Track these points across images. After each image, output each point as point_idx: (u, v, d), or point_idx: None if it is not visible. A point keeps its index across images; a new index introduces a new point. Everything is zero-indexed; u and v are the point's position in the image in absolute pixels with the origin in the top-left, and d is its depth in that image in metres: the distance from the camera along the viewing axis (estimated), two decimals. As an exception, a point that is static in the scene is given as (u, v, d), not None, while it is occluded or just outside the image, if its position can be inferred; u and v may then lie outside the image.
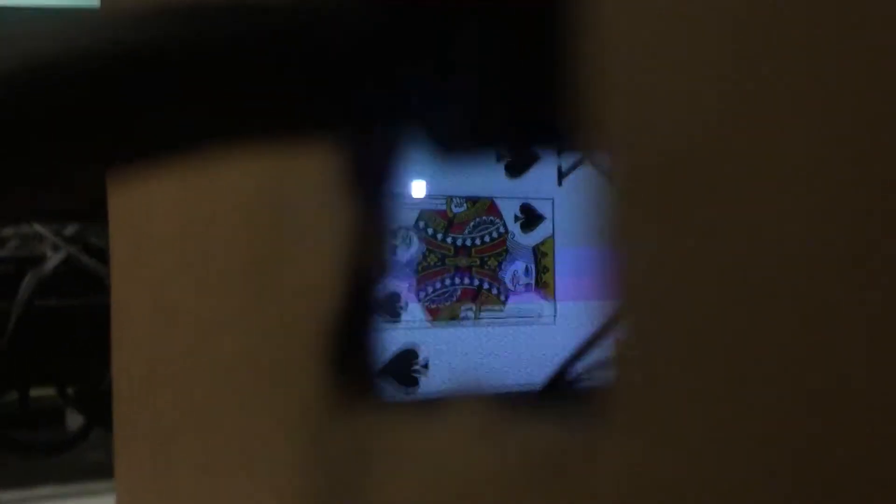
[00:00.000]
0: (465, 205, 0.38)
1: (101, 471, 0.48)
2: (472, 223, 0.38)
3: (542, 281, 0.39)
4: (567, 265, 0.39)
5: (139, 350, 0.26)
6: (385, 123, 0.11)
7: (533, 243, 0.39)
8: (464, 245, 0.38)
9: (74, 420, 0.54)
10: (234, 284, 0.17)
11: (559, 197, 0.39)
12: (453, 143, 0.11)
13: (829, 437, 0.09)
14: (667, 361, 0.09)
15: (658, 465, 0.09)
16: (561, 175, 0.39)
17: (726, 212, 0.09)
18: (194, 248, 0.20)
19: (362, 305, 0.12)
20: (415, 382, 0.34)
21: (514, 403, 0.11)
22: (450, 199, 0.37)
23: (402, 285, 0.37)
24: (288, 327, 0.13)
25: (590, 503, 0.09)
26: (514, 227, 0.39)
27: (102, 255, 0.56)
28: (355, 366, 0.12)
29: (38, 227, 0.56)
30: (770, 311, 0.09)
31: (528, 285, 0.39)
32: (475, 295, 0.38)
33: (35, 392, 0.58)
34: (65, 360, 0.55)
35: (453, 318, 0.37)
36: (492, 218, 0.39)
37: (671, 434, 0.09)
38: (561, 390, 0.21)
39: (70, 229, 0.57)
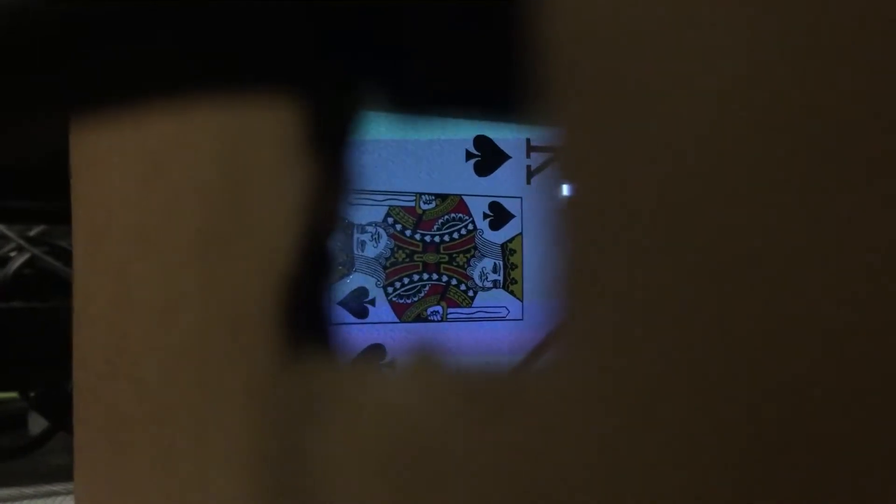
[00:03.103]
0: (434, 202, 0.38)
1: (63, 474, 0.47)
2: (440, 220, 0.38)
3: (511, 278, 0.38)
4: (535, 262, 0.39)
5: (97, 342, 0.26)
6: (344, 82, 0.11)
7: (502, 241, 0.39)
8: (432, 241, 0.37)
9: (37, 424, 0.53)
10: (192, 260, 0.16)
11: (528, 195, 0.39)
12: (411, 102, 0.11)
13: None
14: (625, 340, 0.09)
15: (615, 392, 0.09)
16: (530, 174, 0.39)
17: (698, 195, 0.09)
18: (152, 229, 0.19)
19: (317, 265, 0.11)
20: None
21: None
22: (419, 195, 0.37)
23: (369, 280, 0.37)
24: (244, 292, 0.13)
25: (530, 441, 0.09)
26: (483, 225, 0.38)
27: (68, 257, 0.55)
28: (310, 325, 0.12)
29: (2, 228, 0.55)
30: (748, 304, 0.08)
31: (496, 282, 0.39)
32: (443, 291, 0.38)
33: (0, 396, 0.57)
34: (28, 364, 0.54)
35: (420, 317, 0.37)
36: (461, 215, 0.38)
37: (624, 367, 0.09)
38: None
39: (35, 231, 0.56)
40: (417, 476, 0.10)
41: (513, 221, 0.39)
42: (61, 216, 0.56)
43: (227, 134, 0.14)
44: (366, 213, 0.36)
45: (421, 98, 0.11)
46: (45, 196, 0.56)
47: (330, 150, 0.11)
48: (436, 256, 0.39)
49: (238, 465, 0.13)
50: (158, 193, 0.19)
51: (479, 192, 0.39)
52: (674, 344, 0.09)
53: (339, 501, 0.11)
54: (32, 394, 0.54)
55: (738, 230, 0.09)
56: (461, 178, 0.39)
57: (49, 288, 0.54)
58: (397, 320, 0.37)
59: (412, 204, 0.38)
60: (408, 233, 0.38)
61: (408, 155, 0.37)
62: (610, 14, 0.09)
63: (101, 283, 0.25)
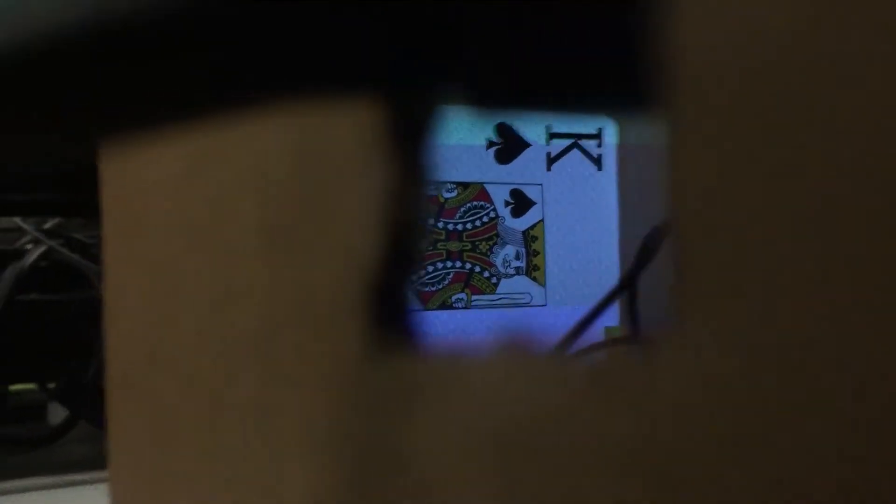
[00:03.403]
0: (455, 190, 0.38)
1: (85, 464, 0.48)
2: (462, 208, 0.38)
3: (533, 264, 0.39)
4: (557, 248, 0.39)
5: (136, 335, 0.26)
6: (422, 79, 0.11)
7: (523, 228, 0.39)
8: (455, 229, 0.38)
9: (56, 415, 0.54)
10: (253, 254, 0.17)
11: (548, 182, 0.39)
12: (492, 100, 0.11)
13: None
14: (720, 286, 0.09)
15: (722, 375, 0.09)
16: (550, 160, 0.39)
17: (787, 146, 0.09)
18: (202, 223, 0.20)
19: (399, 259, 0.12)
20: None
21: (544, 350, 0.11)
22: (441, 184, 0.37)
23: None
24: (322, 286, 0.13)
25: (633, 425, 0.09)
26: (505, 212, 0.39)
27: (84, 249, 0.55)
28: (394, 317, 0.12)
29: (18, 221, 0.55)
30: (825, 239, 0.09)
31: (518, 269, 0.39)
32: (467, 279, 0.38)
33: (16, 387, 0.57)
34: (45, 356, 0.55)
35: (444, 305, 0.37)
36: (482, 203, 0.39)
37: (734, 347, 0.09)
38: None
39: (50, 223, 0.56)
40: (524, 463, 0.10)
41: (534, 208, 0.40)
42: (76, 208, 0.56)
43: (298, 132, 0.14)
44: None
45: (502, 96, 0.11)
46: (61, 188, 0.56)
47: (408, 147, 0.12)
48: (458, 244, 0.39)
49: (314, 456, 0.14)
50: (208, 187, 0.19)
51: (499, 179, 0.39)
52: (793, 336, 0.09)
53: (435, 489, 0.11)
54: (51, 385, 0.55)
55: (866, 232, 0.09)
56: (482, 166, 0.39)
57: (65, 280, 0.54)
58: (422, 308, 0.38)
59: (434, 192, 0.39)
60: (431, 223, 0.39)
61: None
62: (739, 22, 0.10)
63: (139, 275, 0.26)
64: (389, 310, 0.12)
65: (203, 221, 0.19)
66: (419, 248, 0.12)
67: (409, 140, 0.12)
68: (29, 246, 0.54)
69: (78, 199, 0.56)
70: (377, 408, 0.12)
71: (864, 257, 0.09)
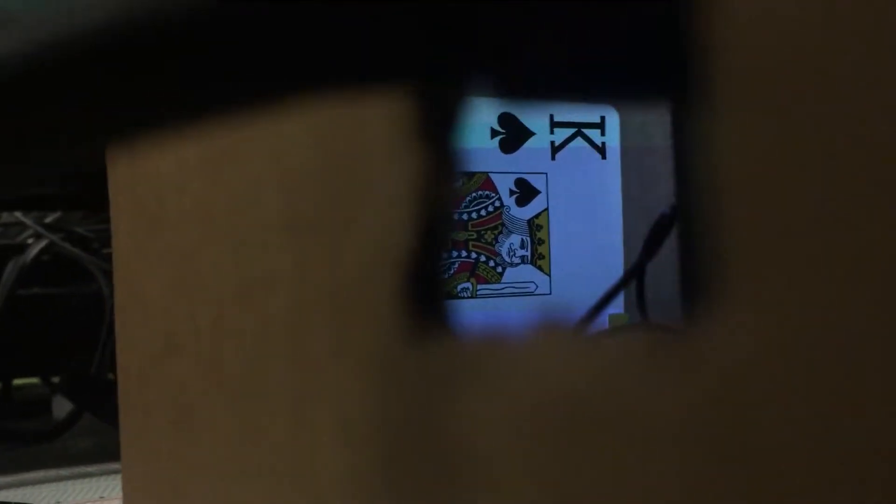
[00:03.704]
0: (461, 179, 0.38)
1: (93, 455, 0.48)
2: (468, 198, 0.38)
3: (538, 253, 0.39)
4: (561, 237, 0.40)
5: (152, 326, 0.26)
6: (451, 69, 0.11)
7: (528, 217, 0.39)
8: (460, 219, 0.38)
9: (61, 408, 0.54)
10: (278, 244, 0.17)
11: (552, 171, 0.39)
12: (521, 91, 0.12)
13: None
14: (756, 270, 0.09)
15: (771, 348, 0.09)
16: (554, 149, 0.40)
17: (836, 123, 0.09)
18: (221, 215, 0.20)
19: (434, 245, 0.12)
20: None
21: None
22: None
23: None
24: (356, 274, 0.14)
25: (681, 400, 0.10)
26: (510, 202, 0.39)
27: (85, 243, 0.55)
28: (430, 301, 0.12)
29: (19, 216, 0.55)
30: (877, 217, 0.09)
31: (524, 258, 0.39)
32: (472, 268, 0.38)
33: (20, 382, 0.57)
34: (49, 350, 0.55)
35: (450, 295, 0.37)
36: (487, 192, 0.39)
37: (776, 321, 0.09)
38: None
39: (51, 217, 0.56)
40: (566, 440, 0.11)
41: (539, 197, 0.40)
42: (78, 202, 0.56)
43: (325, 127, 0.14)
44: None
45: (531, 87, 0.11)
46: (62, 182, 0.56)
47: (438, 137, 0.12)
48: (464, 234, 0.39)
49: (349, 443, 0.14)
50: (228, 180, 0.20)
51: (504, 168, 0.40)
52: (830, 321, 0.10)
53: (479, 471, 0.12)
54: (55, 379, 0.55)
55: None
56: (486, 155, 0.39)
57: (67, 274, 0.54)
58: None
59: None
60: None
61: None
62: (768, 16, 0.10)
63: (154, 267, 0.26)
64: (423, 294, 0.12)
65: (223, 214, 0.20)
66: (448, 235, 0.12)
67: (438, 130, 0.12)
68: (30, 240, 0.54)
69: (79, 194, 0.57)
70: (414, 393, 0.12)
71: None
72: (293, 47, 0.12)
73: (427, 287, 0.12)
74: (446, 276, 0.13)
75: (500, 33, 0.12)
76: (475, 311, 0.39)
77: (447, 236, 0.12)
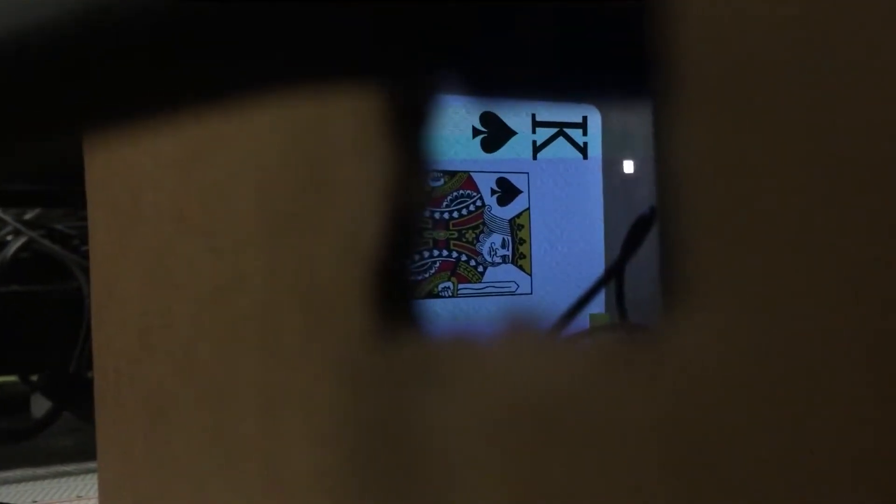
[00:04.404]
0: (442, 178, 0.38)
1: (71, 455, 0.48)
2: (449, 197, 0.38)
3: (519, 253, 0.39)
4: (543, 237, 0.40)
5: (128, 324, 0.26)
6: (421, 66, 0.11)
7: (509, 216, 0.39)
8: (442, 218, 0.38)
9: (39, 407, 0.54)
10: (251, 242, 0.17)
11: (534, 171, 0.39)
12: (491, 88, 0.12)
13: None
14: (722, 273, 0.09)
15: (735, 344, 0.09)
16: (536, 149, 0.40)
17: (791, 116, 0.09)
18: (196, 213, 0.20)
19: (404, 245, 0.12)
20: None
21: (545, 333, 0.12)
22: (436, 171, 0.37)
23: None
24: (326, 272, 0.13)
25: (647, 405, 0.09)
26: (491, 201, 0.39)
27: (65, 240, 0.55)
28: (400, 301, 0.12)
29: (-2, 212, 0.55)
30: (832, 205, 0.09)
31: (505, 257, 0.39)
32: (453, 267, 0.38)
33: (-2, 379, 0.57)
34: (28, 347, 0.54)
35: (431, 294, 0.37)
36: (469, 192, 0.39)
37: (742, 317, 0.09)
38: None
39: (31, 214, 0.56)
40: (534, 443, 0.11)
41: (520, 197, 0.40)
42: (58, 199, 0.56)
43: (297, 124, 0.14)
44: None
45: (501, 84, 0.11)
46: (41, 178, 0.56)
47: (409, 135, 0.12)
48: (445, 233, 0.39)
49: (319, 441, 0.14)
50: (203, 177, 0.19)
51: (486, 168, 0.40)
52: (795, 324, 0.10)
53: (444, 471, 0.12)
54: (33, 377, 0.54)
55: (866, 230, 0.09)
56: (468, 155, 0.39)
57: (47, 271, 0.54)
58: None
59: (434, 180, 0.39)
60: (428, 210, 0.39)
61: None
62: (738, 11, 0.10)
63: (130, 264, 0.26)
64: (393, 295, 0.12)
65: (198, 210, 0.19)
66: (419, 234, 0.12)
67: (409, 127, 0.12)
68: (9, 237, 0.54)
69: (60, 190, 0.56)
70: (382, 394, 0.12)
71: (863, 250, 0.09)
72: (264, 43, 0.12)
73: (397, 287, 0.12)
74: (418, 275, 0.13)
75: (471, 30, 0.12)
76: (456, 310, 0.39)
77: (418, 235, 0.12)
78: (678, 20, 0.10)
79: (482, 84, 0.11)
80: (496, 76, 0.11)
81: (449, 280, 0.39)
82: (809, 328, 0.10)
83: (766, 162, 0.10)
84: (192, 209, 0.20)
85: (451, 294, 0.38)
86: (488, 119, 0.38)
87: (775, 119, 0.10)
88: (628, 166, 0.40)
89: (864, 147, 0.09)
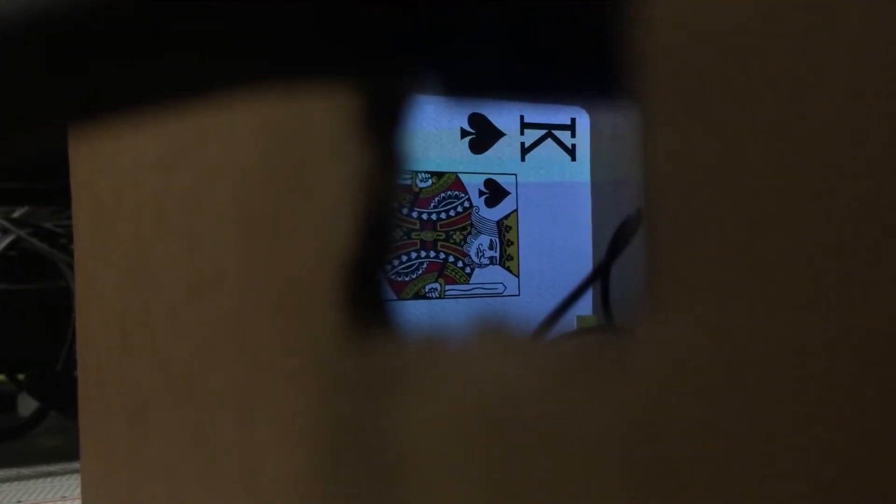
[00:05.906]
0: (430, 179, 0.38)
1: (58, 455, 0.48)
2: (437, 198, 0.38)
3: (507, 254, 0.39)
4: (530, 238, 0.40)
5: (109, 321, 0.26)
6: (396, 67, 0.11)
7: (497, 217, 0.39)
8: (429, 219, 0.38)
9: (27, 406, 0.53)
10: (228, 241, 0.17)
11: (522, 172, 0.39)
12: (467, 88, 0.11)
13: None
14: (697, 275, 0.09)
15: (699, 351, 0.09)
16: (524, 150, 0.40)
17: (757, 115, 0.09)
18: (175, 212, 0.20)
19: (378, 246, 0.12)
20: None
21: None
22: (415, 173, 0.37)
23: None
24: (299, 273, 0.13)
25: (619, 403, 0.09)
26: (479, 202, 0.39)
27: (53, 239, 0.55)
28: (373, 302, 0.12)
29: (-15, 210, 0.55)
30: (798, 211, 0.09)
31: (492, 259, 0.39)
32: (440, 268, 0.38)
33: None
34: (15, 346, 0.54)
35: (418, 295, 0.37)
36: (457, 193, 0.39)
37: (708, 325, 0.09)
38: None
39: (19, 212, 0.56)
40: (504, 446, 0.11)
41: (508, 198, 0.40)
42: (46, 197, 0.56)
43: (273, 123, 0.14)
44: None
45: (478, 83, 0.11)
46: (29, 176, 0.55)
47: (383, 135, 0.12)
48: (432, 234, 0.39)
49: (293, 441, 0.14)
50: (182, 176, 0.19)
51: (474, 169, 0.40)
52: (771, 325, 0.09)
53: (416, 473, 0.11)
54: (21, 376, 0.54)
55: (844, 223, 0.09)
56: (456, 156, 0.39)
57: (35, 270, 0.54)
58: (396, 298, 0.38)
59: (409, 182, 0.39)
60: (405, 211, 0.39)
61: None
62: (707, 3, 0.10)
63: (112, 262, 0.26)
64: (365, 296, 0.12)
65: (177, 210, 0.19)
66: (394, 235, 0.12)
67: (384, 127, 0.12)
68: (-3, 235, 0.54)
69: (48, 189, 0.56)
70: (355, 393, 0.12)
71: (842, 249, 0.09)
72: (240, 41, 0.12)
73: (370, 288, 0.12)
74: (394, 276, 0.12)
75: (448, 30, 0.11)
76: (443, 312, 0.39)
77: (391, 236, 0.12)
78: (645, 24, 0.10)
79: (459, 85, 0.11)
80: (473, 77, 0.11)
81: (436, 281, 0.39)
82: (786, 330, 0.10)
83: (736, 166, 0.09)
84: (172, 206, 0.20)
85: (438, 295, 0.38)
86: (476, 120, 0.38)
87: (744, 122, 0.09)
88: (617, 169, 0.40)
89: (836, 147, 0.09)
